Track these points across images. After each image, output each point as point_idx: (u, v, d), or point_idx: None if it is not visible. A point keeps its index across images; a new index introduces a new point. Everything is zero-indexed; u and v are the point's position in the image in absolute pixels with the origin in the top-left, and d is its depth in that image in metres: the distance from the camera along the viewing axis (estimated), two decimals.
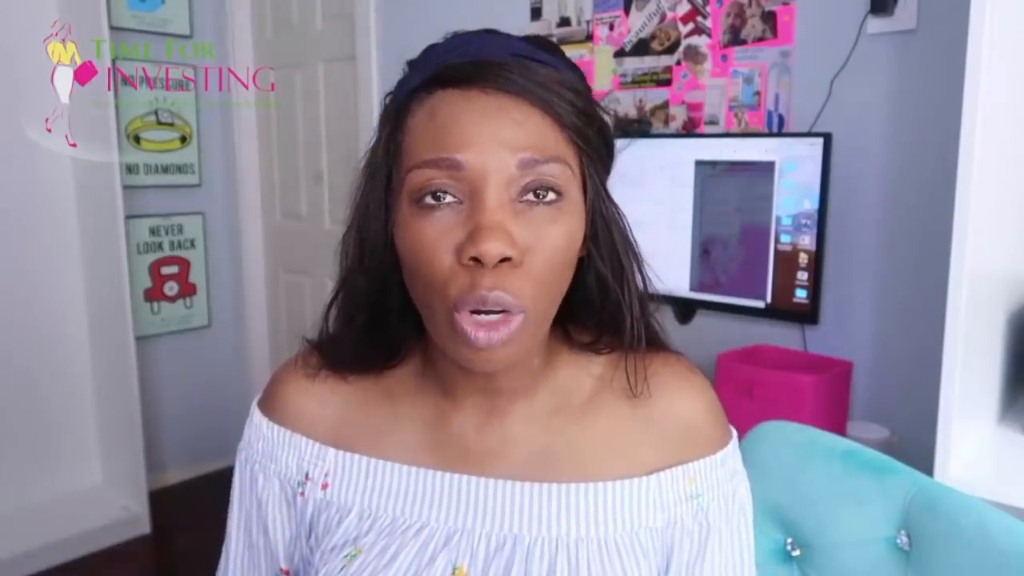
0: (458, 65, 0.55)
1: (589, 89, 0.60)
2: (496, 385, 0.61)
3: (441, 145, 0.53)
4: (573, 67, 0.59)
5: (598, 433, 0.62)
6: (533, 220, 0.54)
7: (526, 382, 0.62)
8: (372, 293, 0.61)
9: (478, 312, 0.53)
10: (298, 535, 0.66)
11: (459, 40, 0.58)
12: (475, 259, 0.52)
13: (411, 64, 0.60)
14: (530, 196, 0.54)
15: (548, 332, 0.61)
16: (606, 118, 0.60)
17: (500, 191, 0.53)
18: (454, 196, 0.53)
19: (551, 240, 0.54)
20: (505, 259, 0.52)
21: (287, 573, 0.68)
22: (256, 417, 0.68)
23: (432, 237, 0.53)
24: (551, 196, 0.54)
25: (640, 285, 0.62)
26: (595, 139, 0.58)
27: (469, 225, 0.52)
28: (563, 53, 0.60)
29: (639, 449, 0.62)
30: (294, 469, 0.65)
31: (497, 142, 0.53)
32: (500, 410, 0.62)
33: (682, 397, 0.64)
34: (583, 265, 0.60)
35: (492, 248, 0.51)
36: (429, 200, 0.54)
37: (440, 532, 0.60)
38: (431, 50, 0.59)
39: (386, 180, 0.58)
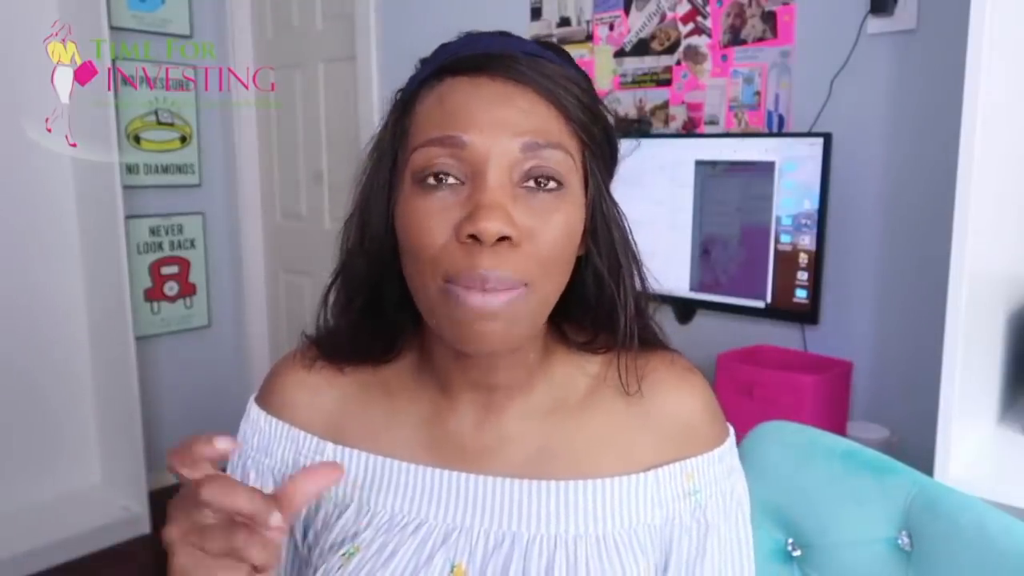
0: (468, 56, 0.56)
1: (595, 91, 0.60)
2: (492, 379, 0.61)
3: (447, 125, 0.54)
4: (580, 70, 0.60)
5: (595, 431, 0.63)
6: (534, 206, 0.54)
7: (522, 377, 0.62)
8: (371, 276, 0.61)
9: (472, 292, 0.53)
10: (290, 535, 0.65)
11: (471, 38, 0.59)
12: (473, 237, 0.52)
13: (423, 61, 0.61)
14: (531, 183, 0.54)
15: (545, 329, 0.61)
16: (610, 119, 0.61)
17: (502, 173, 0.53)
18: (456, 177, 0.54)
19: (551, 228, 0.55)
20: (504, 239, 0.52)
21: None
22: (253, 412, 0.67)
23: (430, 214, 0.54)
24: (552, 184, 0.55)
25: (637, 285, 0.62)
26: (599, 136, 0.59)
27: (469, 205, 0.53)
28: (572, 59, 0.61)
29: (636, 446, 0.62)
30: (290, 463, 0.65)
31: (502, 126, 0.54)
32: (497, 406, 0.62)
33: (679, 395, 0.64)
34: (581, 263, 0.61)
35: (491, 226, 0.51)
36: (431, 180, 0.54)
37: (438, 530, 0.60)
38: (443, 47, 0.60)
39: (391, 163, 0.59)
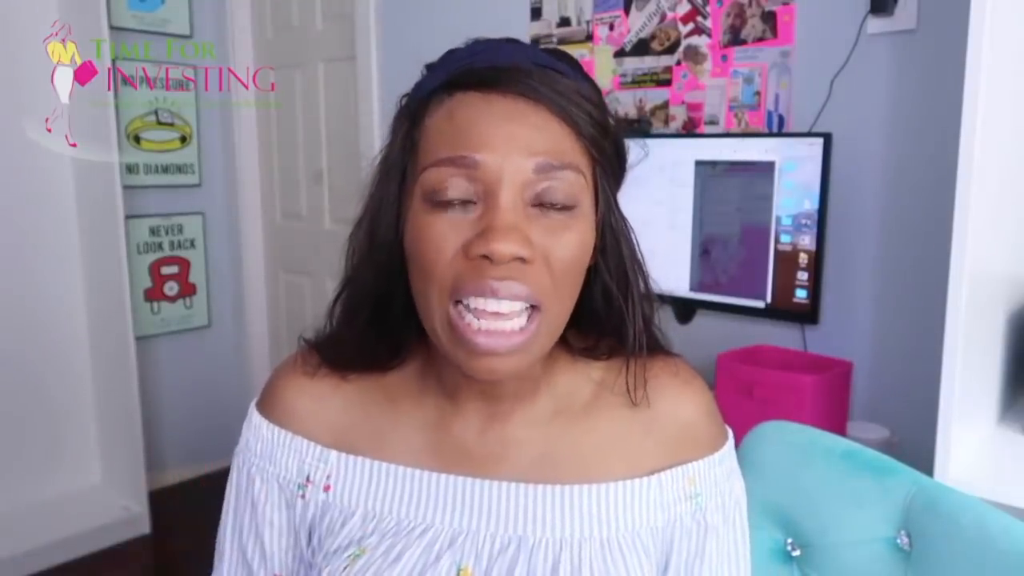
0: (480, 69, 0.55)
1: (605, 103, 0.60)
2: (499, 391, 0.61)
3: (459, 144, 0.54)
4: (591, 81, 0.60)
5: (598, 436, 0.63)
6: (546, 227, 0.54)
7: (528, 387, 0.62)
8: (378, 287, 0.61)
9: (482, 314, 0.52)
10: (296, 540, 0.65)
11: (480, 46, 0.58)
12: (484, 257, 0.52)
13: (429, 67, 0.60)
14: (544, 203, 0.54)
15: None
16: (621, 133, 0.61)
17: (515, 193, 0.53)
18: (468, 196, 0.54)
19: (563, 247, 0.55)
20: (517, 259, 0.52)
21: None
22: (255, 419, 0.67)
23: (441, 232, 0.54)
24: (564, 204, 0.55)
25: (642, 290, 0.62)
26: (609, 151, 0.59)
27: (481, 225, 0.53)
28: (582, 68, 0.61)
29: (639, 451, 0.63)
30: (294, 471, 0.64)
31: (515, 145, 0.53)
32: (502, 415, 0.62)
33: (681, 400, 0.64)
34: (589, 276, 0.61)
35: (505, 248, 0.51)
36: (442, 199, 0.54)
37: (445, 533, 0.60)
38: (451, 54, 0.59)
39: (400, 177, 0.59)
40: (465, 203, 0.54)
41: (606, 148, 0.58)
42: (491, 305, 0.52)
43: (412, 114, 0.59)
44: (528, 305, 0.54)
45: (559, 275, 0.54)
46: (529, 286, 0.53)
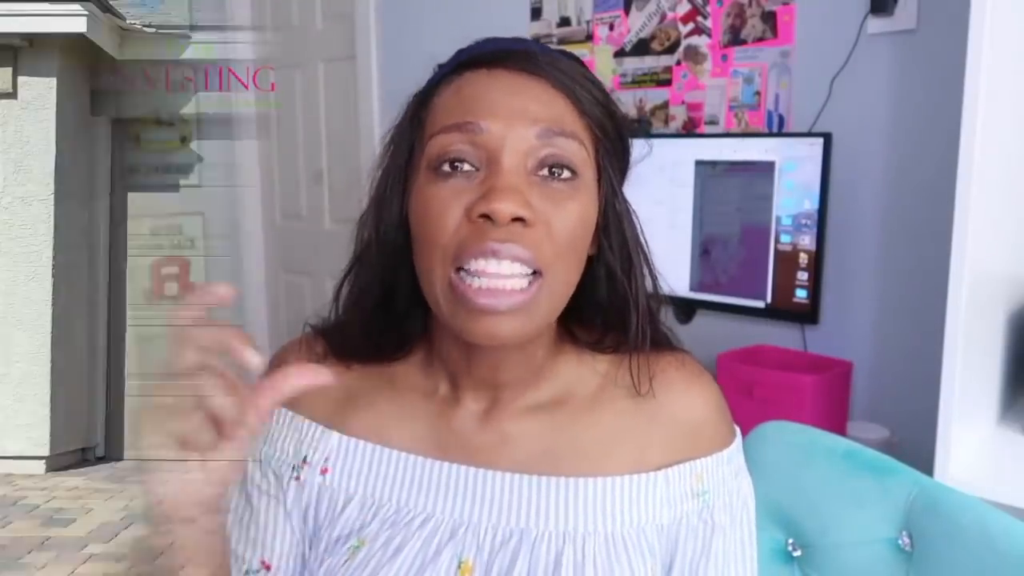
0: (487, 51, 0.58)
1: (608, 94, 0.61)
2: (499, 377, 0.61)
3: (464, 112, 0.55)
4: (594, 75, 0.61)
5: (603, 429, 0.62)
6: (549, 195, 0.55)
7: (529, 375, 0.62)
8: (385, 270, 0.61)
9: (483, 274, 0.52)
10: (292, 530, 0.65)
11: (487, 41, 0.60)
12: (486, 216, 0.52)
13: (440, 66, 0.61)
14: (546, 171, 0.55)
15: (553, 327, 0.61)
16: (623, 120, 0.62)
17: (518, 159, 0.54)
18: (471, 164, 0.54)
19: (566, 215, 0.55)
20: (518, 219, 0.52)
21: (268, 567, 0.66)
22: None
23: (444, 199, 0.54)
24: (567, 174, 0.55)
25: (648, 284, 0.62)
26: (612, 133, 0.60)
27: (483, 188, 0.53)
28: (586, 66, 0.62)
29: (645, 446, 0.62)
30: (291, 452, 0.64)
31: (519, 115, 0.54)
32: (503, 404, 0.62)
33: (689, 395, 0.64)
34: (592, 262, 0.61)
35: (505, 207, 0.51)
36: (446, 167, 0.55)
37: (445, 524, 0.60)
38: (460, 51, 0.61)
39: (407, 156, 0.59)
40: (468, 171, 0.54)
41: (609, 130, 0.59)
42: (492, 266, 0.52)
43: (421, 97, 0.60)
44: (530, 271, 0.54)
45: (561, 244, 0.55)
46: (530, 250, 0.53)
